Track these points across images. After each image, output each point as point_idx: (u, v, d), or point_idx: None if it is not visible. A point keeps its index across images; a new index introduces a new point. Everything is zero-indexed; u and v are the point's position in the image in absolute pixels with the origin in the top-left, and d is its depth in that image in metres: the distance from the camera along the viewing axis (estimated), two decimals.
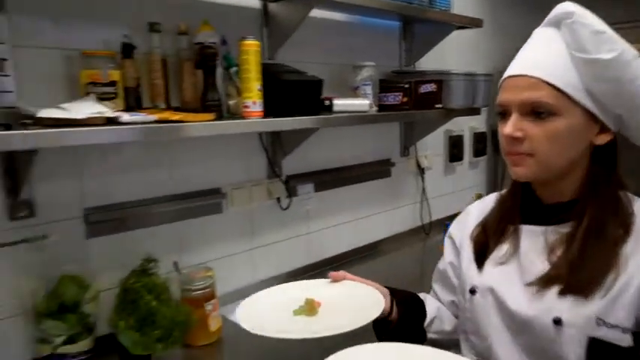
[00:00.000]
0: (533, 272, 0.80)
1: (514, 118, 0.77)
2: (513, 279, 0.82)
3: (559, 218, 0.80)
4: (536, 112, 0.75)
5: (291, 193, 1.66)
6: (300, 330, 0.84)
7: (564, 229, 0.79)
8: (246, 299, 0.99)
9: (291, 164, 1.66)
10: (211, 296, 1.29)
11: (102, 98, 1.08)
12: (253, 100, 1.22)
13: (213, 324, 1.29)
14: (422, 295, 1.01)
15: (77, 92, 1.12)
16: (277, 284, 1.65)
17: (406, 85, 1.66)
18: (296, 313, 0.92)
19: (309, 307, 0.91)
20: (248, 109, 1.23)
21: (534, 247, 0.82)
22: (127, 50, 1.17)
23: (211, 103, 1.20)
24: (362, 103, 1.56)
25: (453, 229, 1.02)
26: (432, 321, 0.98)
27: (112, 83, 1.11)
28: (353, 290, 0.97)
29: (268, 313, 0.93)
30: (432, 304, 1.00)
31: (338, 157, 1.85)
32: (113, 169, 1.26)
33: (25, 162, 1.00)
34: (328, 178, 1.80)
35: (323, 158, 1.78)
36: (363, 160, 1.96)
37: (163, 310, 1.11)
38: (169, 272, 1.27)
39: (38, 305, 1.10)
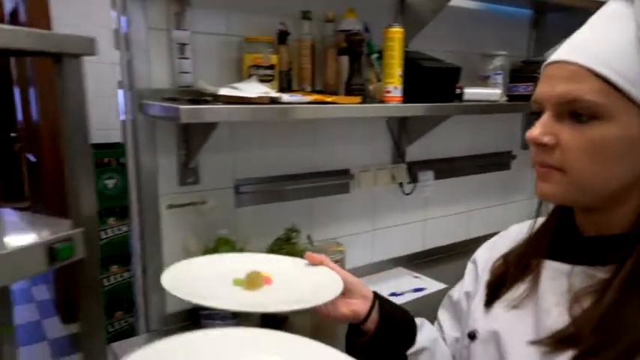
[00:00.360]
0: (547, 325, 0.60)
1: (545, 118, 0.58)
2: (525, 329, 0.62)
3: (594, 257, 0.59)
4: (574, 112, 0.55)
5: (413, 179, 1.70)
6: (227, 300, 0.70)
7: (598, 272, 0.57)
8: (182, 262, 0.84)
9: (414, 151, 1.70)
10: None
11: (262, 80, 1.20)
12: (395, 85, 1.28)
13: None
14: (418, 320, 0.80)
15: (240, 74, 1.25)
16: (393, 267, 1.73)
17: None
18: (236, 282, 0.76)
19: (251, 280, 0.75)
20: (389, 94, 1.28)
21: (554, 290, 0.61)
22: (283, 36, 1.28)
23: (356, 87, 1.27)
24: (493, 93, 1.55)
25: (480, 252, 0.81)
26: (419, 351, 0.76)
27: (271, 66, 1.22)
28: (316, 274, 0.78)
29: (203, 279, 0.76)
30: (427, 333, 0.78)
31: (459, 146, 1.85)
32: (261, 145, 1.39)
33: (202, 134, 1.14)
34: (447, 167, 1.81)
35: (444, 147, 1.80)
36: (483, 150, 1.94)
37: None
38: (303, 244, 1.38)
39: None
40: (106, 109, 2.87)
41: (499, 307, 0.67)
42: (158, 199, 1.24)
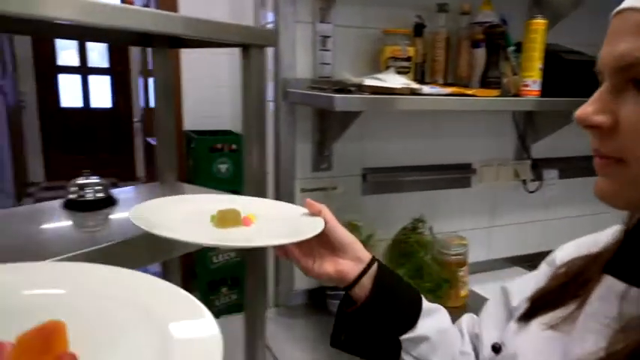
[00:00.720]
0: (574, 355, 0.48)
1: (601, 91, 0.44)
2: (550, 356, 0.51)
3: None
4: (638, 81, 0.41)
5: (538, 176, 1.64)
6: (200, 235, 0.62)
7: None
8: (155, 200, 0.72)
9: (540, 147, 1.64)
10: (463, 263, 1.38)
11: (399, 72, 1.23)
12: (534, 78, 1.24)
13: (463, 289, 1.37)
14: (432, 306, 0.68)
15: (376, 65, 1.29)
16: (509, 267, 1.69)
17: None
18: (212, 219, 0.67)
19: (222, 217, 0.66)
20: (527, 88, 1.25)
21: (600, 314, 0.48)
22: (419, 29, 1.30)
23: (492, 80, 1.26)
24: None
25: (561, 253, 0.64)
26: (418, 339, 0.64)
27: (409, 59, 1.24)
28: (303, 219, 0.68)
29: (178, 215, 0.67)
30: (435, 322, 0.66)
31: (586, 144, 1.75)
32: (387, 135, 1.42)
33: (342, 123, 1.19)
34: (575, 166, 1.72)
35: (573, 144, 1.71)
36: None
37: (434, 266, 1.23)
38: (428, 235, 1.39)
39: None
40: (217, 97, 3.08)
41: (536, 323, 0.54)
42: (294, 181, 1.32)
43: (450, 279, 1.31)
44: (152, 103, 3.52)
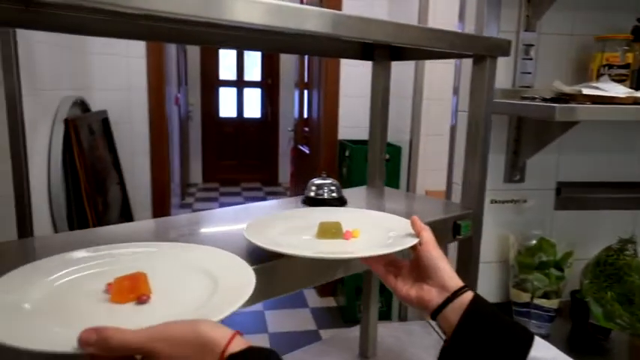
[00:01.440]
0: None
1: None
2: None
3: None
4: None
5: None
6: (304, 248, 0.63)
7: None
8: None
9: None
10: None
11: (614, 79, 1.15)
12: None
13: None
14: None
15: (583, 74, 1.22)
16: None
17: None
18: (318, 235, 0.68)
19: (322, 229, 0.68)
20: None
21: None
22: (638, 33, 1.20)
23: None
24: None
25: None
26: None
27: (626, 65, 1.15)
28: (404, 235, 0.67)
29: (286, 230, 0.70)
30: None
31: None
32: (586, 148, 1.33)
33: (550, 133, 1.15)
34: None
35: None
36: None
37: None
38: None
39: (519, 258, 1.28)
40: (354, 108, 3.16)
41: None
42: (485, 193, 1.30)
43: None
44: (306, 114, 3.75)
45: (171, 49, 4.12)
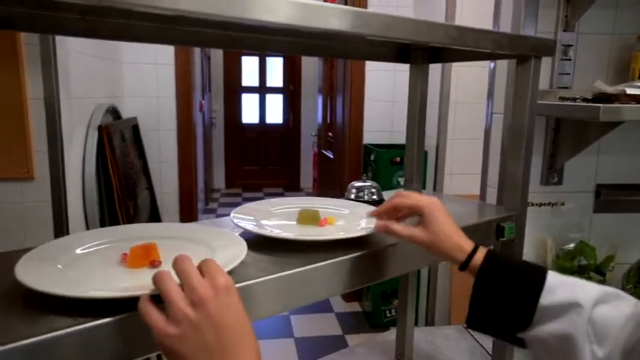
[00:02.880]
0: None
1: None
2: None
3: None
4: None
5: None
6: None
7: None
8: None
9: None
10: None
11: None
12: None
13: None
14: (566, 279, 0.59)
15: (624, 74, 1.20)
16: None
17: None
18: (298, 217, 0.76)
19: (301, 217, 0.75)
20: None
21: None
22: None
23: None
24: None
25: None
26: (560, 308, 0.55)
27: None
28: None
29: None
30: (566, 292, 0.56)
31: None
32: (627, 149, 1.30)
33: (591, 135, 1.13)
34: None
35: None
36: None
37: None
38: None
39: (557, 261, 1.25)
40: (396, 112, 3.16)
41: None
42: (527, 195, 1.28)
43: None
44: (329, 119, 3.76)
45: (196, 57, 4.19)
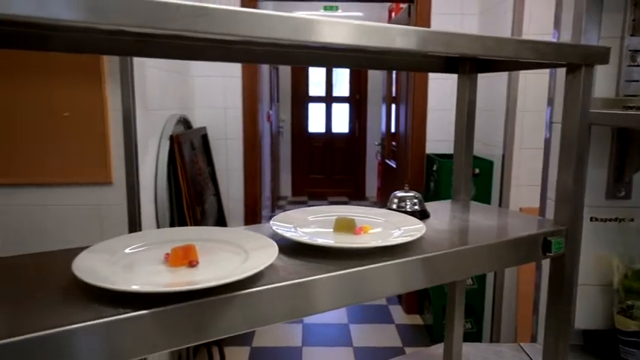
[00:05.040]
0: None
1: None
2: None
3: None
4: None
5: None
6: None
7: None
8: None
9: None
10: None
11: None
12: None
13: None
14: None
15: None
16: None
17: None
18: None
19: (337, 224, 0.77)
20: None
21: None
22: None
23: None
24: None
25: None
26: None
27: None
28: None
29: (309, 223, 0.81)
30: None
31: None
32: None
33: None
34: None
35: None
36: None
37: None
38: None
39: (625, 282, 1.17)
40: (441, 121, 3.08)
41: None
42: (583, 209, 1.21)
43: None
44: (393, 129, 3.74)
45: (264, 68, 4.35)
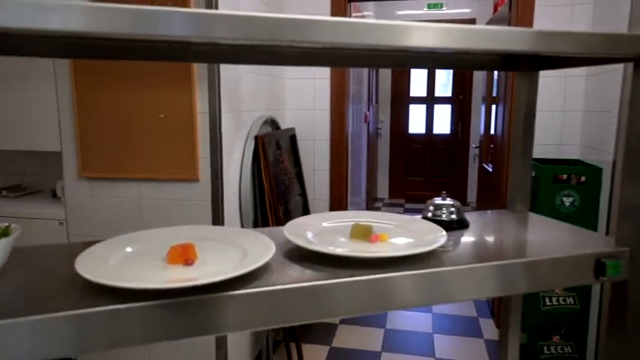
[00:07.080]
0: None
1: None
2: None
3: None
4: None
5: None
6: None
7: None
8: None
9: None
10: None
11: None
12: None
13: None
14: None
15: None
16: None
17: None
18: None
19: (354, 231, 0.75)
20: None
21: None
22: None
23: None
24: None
25: None
26: None
27: None
28: None
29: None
30: None
31: None
32: None
33: None
34: None
35: None
36: None
37: None
38: None
39: None
40: (565, 124, 2.78)
41: None
42: None
43: None
44: (492, 130, 3.51)
45: (363, 69, 4.35)
